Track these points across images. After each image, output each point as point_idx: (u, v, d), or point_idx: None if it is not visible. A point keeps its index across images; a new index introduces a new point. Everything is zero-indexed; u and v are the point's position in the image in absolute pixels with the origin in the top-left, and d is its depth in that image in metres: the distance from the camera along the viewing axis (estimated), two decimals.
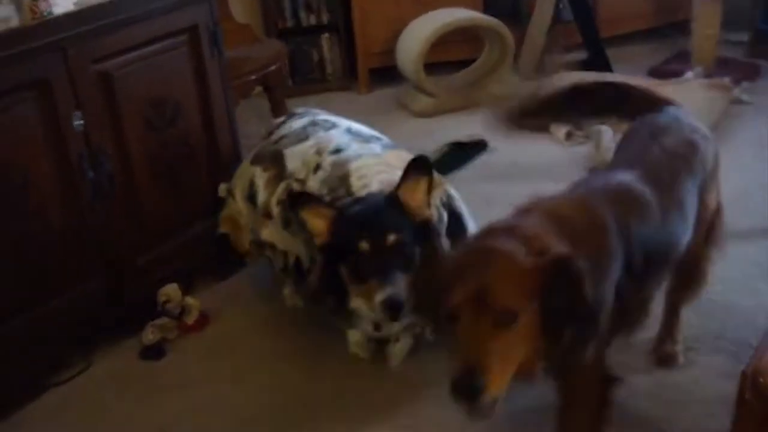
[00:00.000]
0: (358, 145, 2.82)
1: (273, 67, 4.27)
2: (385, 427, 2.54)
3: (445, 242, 2.62)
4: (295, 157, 2.85)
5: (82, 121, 2.77)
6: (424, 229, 2.50)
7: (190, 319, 3.04)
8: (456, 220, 2.71)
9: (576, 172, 3.85)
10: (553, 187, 3.64)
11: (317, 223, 2.50)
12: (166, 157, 3.06)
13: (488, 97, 4.81)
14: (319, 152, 2.81)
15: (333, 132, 2.91)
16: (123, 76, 2.88)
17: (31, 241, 2.72)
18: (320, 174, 2.74)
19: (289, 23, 5.21)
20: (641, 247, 2.01)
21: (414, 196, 2.48)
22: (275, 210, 2.83)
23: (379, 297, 2.35)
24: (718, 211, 2.50)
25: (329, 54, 5.30)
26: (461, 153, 4.17)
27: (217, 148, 3.24)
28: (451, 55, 5.02)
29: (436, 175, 2.71)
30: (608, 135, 3.90)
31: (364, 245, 2.38)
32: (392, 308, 2.34)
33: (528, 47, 5.04)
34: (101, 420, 2.73)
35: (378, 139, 2.92)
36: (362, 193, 2.61)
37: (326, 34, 5.26)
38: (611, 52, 4.97)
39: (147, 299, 3.03)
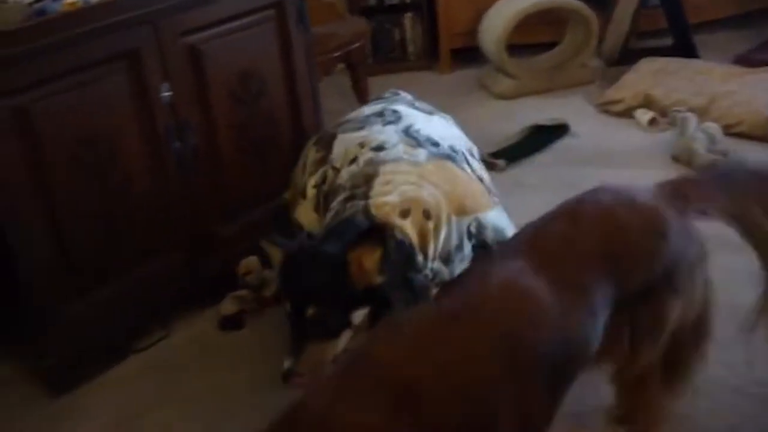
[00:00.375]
0: (404, 148, 2.68)
1: (356, 45, 4.28)
2: None
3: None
4: (342, 144, 2.80)
5: (169, 93, 2.81)
6: (371, 293, 2.31)
7: (269, 292, 3.07)
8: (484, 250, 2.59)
9: (658, 160, 3.83)
10: (634, 174, 3.65)
11: (274, 254, 2.44)
12: (250, 131, 3.09)
13: (570, 80, 4.77)
14: (362, 144, 2.73)
15: (388, 128, 2.80)
16: (210, 50, 2.91)
17: (117, 211, 2.78)
18: (353, 167, 2.67)
19: (372, 1, 5.21)
20: (543, 362, 1.69)
21: (365, 261, 2.28)
22: (310, 192, 2.79)
23: (284, 364, 2.26)
24: (701, 316, 2.06)
25: (411, 33, 5.29)
26: (542, 136, 4.14)
27: (300, 124, 3.26)
28: (534, 37, 4.97)
29: (472, 203, 2.60)
30: (693, 122, 3.84)
31: (288, 306, 2.30)
32: (285, 379, 2.25)
33: (612, 31, 4.97)
34: (178, 388, 2.78)
35: (435, 144, 2.75)
36: (379, 200, 2.49)
37: (409, 13, 5.25)
38: (697, 39, 4.87)
39: (227, 271, 3.07)
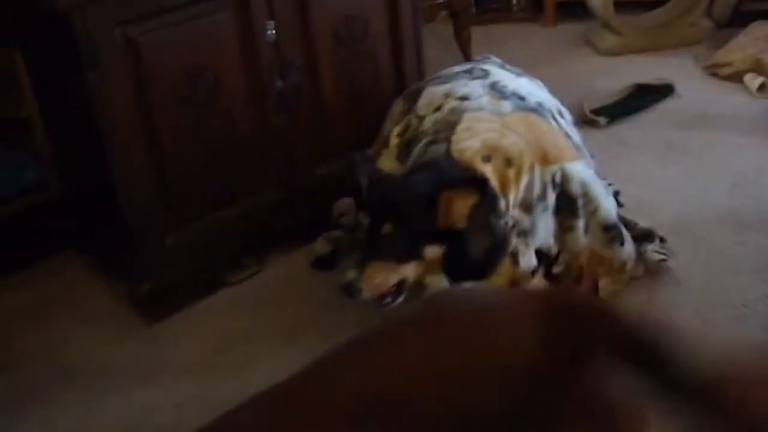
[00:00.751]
0: (489, 99, 2.70)
1: None
2: None
3: (547, 225, 2.59)
4: (428, 95, 2.84)
5: (274, 31, 2.82)
6: (448, 235, 2.35)
7: (363, 235, 3.07)
8: (568, 202, 2.60)
9: (764, 128, 3.72)
10: (737, 141, 3.56)
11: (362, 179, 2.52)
12: (351, 74, 3.09)
13: (678, 40, 4.65)
14: (447, 95, 2.76)
15: (475, 82, 2.82)
16: None
17: (217, 145, 2.81)
18: (437, 114, 2.71)
19: None
20: None
21: (455, 205, 2.31)
22: (393, 141, 2.85)
23: (345, 276, 2.35)
24: None
25: None
26: (646, 96, 4.05)
27: (401, 69, 3.24)
28: None
29: (556, 153, 2.60)
30: None
31: (364, 219, 2.38)
32: (344, 292, 2.34)
33: None
34: (267, 323, 2.83)
35: (521, 98, 2.76)
36: (460, 145, 2.51)
37: None
38: None
39: (322, 211, 3.09)
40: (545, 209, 2.58)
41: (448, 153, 2.50)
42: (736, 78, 4.18)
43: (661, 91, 4.08)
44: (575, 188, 2.61)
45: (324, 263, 3.02)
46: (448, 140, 2.55)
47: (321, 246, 3.03)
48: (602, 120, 3.83)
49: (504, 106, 2.69)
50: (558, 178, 2.58)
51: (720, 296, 2.74)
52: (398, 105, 2.96)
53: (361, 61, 3.10)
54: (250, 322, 2.84)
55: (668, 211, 3.17)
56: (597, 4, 4.63)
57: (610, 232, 2.68)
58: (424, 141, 2.63)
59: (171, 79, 2.64)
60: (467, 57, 4.46)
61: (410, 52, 3.26)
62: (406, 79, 3.24)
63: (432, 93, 2.84)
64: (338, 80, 3.05)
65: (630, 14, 4.75)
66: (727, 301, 2.72)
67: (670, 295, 2.76)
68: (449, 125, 2.61)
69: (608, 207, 2.70)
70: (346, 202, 3.10)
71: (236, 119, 2.83)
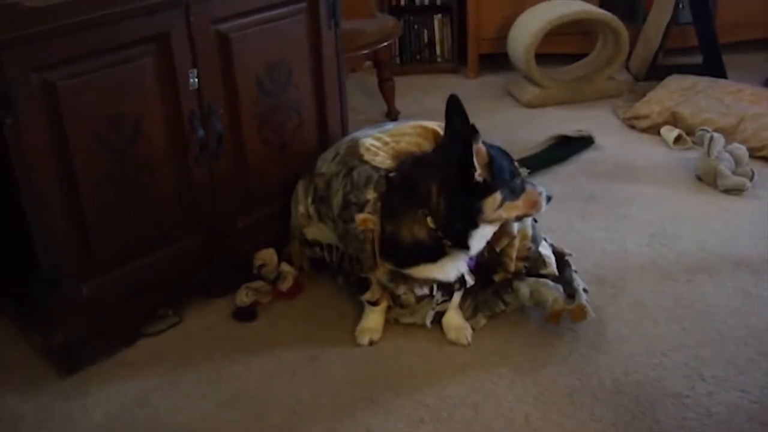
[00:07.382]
0: (372, 130, 2.97)
1: (384, 44, 4.26)
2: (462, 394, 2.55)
3: None
4: (321, 159, 3.01)
5: (197, 80, 2.80)
6: None
7: (285, 286, 3.05)
8: None
9: (682, 178, 3.81)
10: (657, 191, 3.63)
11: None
12: (275, 123, 3.07)
13: (597, 92, 4.75)
14: (337, 147, 2.97)
15: (356, 133, 3.05)
16: (240, 39, 2.89)
17: (139, 194, 2.76)
18: (337, 158, 2.90)
19: (403, 1, 5.20)
20: None
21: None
22: (311, 209, 2.98)
23: (541, 194, 2.76)
24: None
25: (440, 35, 5.28)
26: (567, 147, 4.11)
27: (325, 119, 3.24)
28: (563, 47, 4.96)
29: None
30: (719, 143, 3.80)
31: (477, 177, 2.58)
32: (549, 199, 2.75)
33: (642, 46, 4.95)
34: (187, 374, 2.77)
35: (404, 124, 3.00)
36: (375, 162, 2.75)
37: (439, 15, 5.24)
38: (727, 59, 4.84)
39: (243, 262, 3.06)
40: None
41: (372, 165, 2.74)
42: (654, 130, 4.28)
43: (581, 143, 4.15)
44: None
45: (245, 314, 2.98)
46: (362, 160, 2.77)
47: (242, 297, 2.99)
48: (523, 171, 3.86)
49: (388, 124, 3.04)
50: None
51: (639, 345, 2.77)
52: (300, 185, 3.06)
53: (285, 110, 3.09)
54: (170, 373, 2.77)
55: (589, 262, 3.21)
56: (519, 56, 4.71)
57: None
58: (340, 176, 2.79)
59: (91, 126, 2.59)
60: (390, 107, 4.51)
61: (333, 101, 3.26)
62: (329, 128, 3.24)
63: (324, 154, 3.01)
64: (261, 129, 3.04)
65: (551, 67, 4.86)
66: (647, 350, 2.75)
67: (591, 344, 2.78)
68: (352, 152, 2.84)
69: None
70: (268, 253, 3.07)
71: (157, 167, 2.79)
